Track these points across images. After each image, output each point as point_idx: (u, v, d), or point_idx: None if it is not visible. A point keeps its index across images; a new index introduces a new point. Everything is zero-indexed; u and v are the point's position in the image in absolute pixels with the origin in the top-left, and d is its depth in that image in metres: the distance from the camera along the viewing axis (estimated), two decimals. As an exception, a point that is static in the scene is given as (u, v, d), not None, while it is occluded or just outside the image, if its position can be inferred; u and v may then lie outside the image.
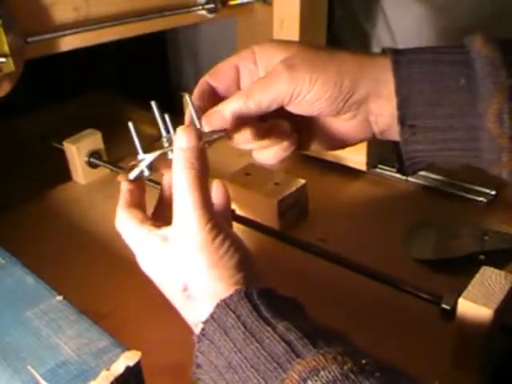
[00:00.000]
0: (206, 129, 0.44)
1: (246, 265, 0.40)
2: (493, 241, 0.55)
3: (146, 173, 0.45)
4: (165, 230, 0.41)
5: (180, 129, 0.42)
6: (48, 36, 0.61)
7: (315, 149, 0.49)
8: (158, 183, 0.51)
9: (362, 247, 0.55)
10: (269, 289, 0.38)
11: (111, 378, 0.33)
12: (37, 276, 0.44)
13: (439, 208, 0.63)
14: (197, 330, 0.37)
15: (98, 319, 0.40)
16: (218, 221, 0.40)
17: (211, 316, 0.36)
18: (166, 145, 0.44)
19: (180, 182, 0.40)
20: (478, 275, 0.42)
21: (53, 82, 1.02)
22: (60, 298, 0.41)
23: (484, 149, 0.41)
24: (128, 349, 0.36)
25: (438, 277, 0.52)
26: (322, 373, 0.31)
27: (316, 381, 0.30)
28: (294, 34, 0.78)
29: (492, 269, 0.42)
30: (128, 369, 0.34)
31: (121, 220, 0.44)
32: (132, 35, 0.69)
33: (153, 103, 0.44)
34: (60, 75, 1.00)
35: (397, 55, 0.43)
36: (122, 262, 0.55)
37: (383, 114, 0.44)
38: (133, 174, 0.46)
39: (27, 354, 0.36)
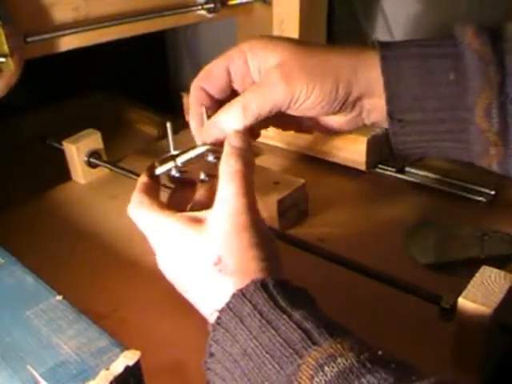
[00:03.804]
0: (208, 141, 0.45)
1: (275, 255, 0.41)
2: (492, 241, 0.55)
3: (174, 172, 0.44)
4: (197, 213, 0.42)
5: (233, 131, 0.44)
6: (47, 36, 0.61)
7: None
8: (168, 187, 0.51)
9: (362, 247, 0.55)
10: (284, 280, 0.39)
11: (110, 378, 0.33)
12: (36, 276, 0.44)
13: (439, 208, 0.63)
14: (211, 318, 0.37)
15: (97, 319, 0.40)
16: (259, 211, 0.41)
17: (227, 305, 0.37)
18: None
19: (229, 169, 0.41)
20: (477, 275, 0.42)
21: (53, 81, 1.02)
22: (59, 297, 0.41)
23: (472, 141, 0.42)
24: (127, 348, 0.36)
25: (438, 277, 0.52)
26: (339, 360, 0.31)
27: (333, 367, 0.30)
28: (293, 34, 0.78)
29: (492, 268, 0.42)
30: (127, 368, 0.34)
31: (136, 204, 0.44)
32: (131, 35, 0.69)
33: (168, 124, 0.45)
34: (60, 75, 1.00)
35: (385, 50, 0.43)
36: (122, 262, 0.56)
37: (375, 110, 0.45)
38: (160, 170, 0.45)
39: (27, 353, 0.36)
